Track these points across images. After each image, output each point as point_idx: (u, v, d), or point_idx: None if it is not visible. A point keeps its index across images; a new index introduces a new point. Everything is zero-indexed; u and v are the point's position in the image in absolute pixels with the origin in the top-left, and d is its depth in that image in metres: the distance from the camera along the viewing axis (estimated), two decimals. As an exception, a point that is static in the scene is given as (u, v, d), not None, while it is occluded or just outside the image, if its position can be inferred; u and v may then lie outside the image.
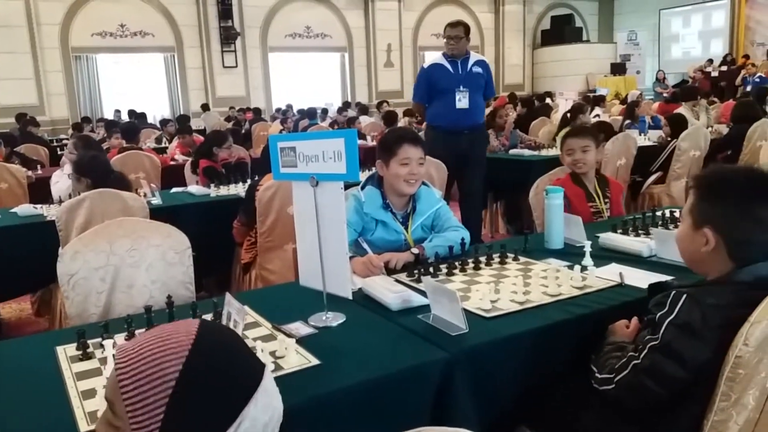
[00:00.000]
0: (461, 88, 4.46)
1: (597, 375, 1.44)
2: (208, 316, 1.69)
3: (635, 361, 1.32)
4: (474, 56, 4.59)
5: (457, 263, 2.09)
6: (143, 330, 1.60)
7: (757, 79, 12.21)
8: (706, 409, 1.26)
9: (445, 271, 2.04)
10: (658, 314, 1.31)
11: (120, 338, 1.56)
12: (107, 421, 0.82)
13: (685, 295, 1.27)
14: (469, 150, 4.52)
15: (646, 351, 1.31)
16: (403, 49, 16.00)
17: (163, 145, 8.11)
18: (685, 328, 1.25)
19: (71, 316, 2.08)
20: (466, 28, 4.52)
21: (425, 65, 4.74)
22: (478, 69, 4.55)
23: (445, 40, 4.52)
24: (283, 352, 1.40)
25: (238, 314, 1.46)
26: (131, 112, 12.03)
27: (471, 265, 2.08)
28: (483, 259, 2.12)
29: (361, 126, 9.06)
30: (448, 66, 4.51)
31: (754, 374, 1.21)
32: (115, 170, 3.50)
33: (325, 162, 1.55)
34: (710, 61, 14.88)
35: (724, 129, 6.13)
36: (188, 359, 0.78)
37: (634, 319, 1.55)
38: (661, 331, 1.28)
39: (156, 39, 13.35)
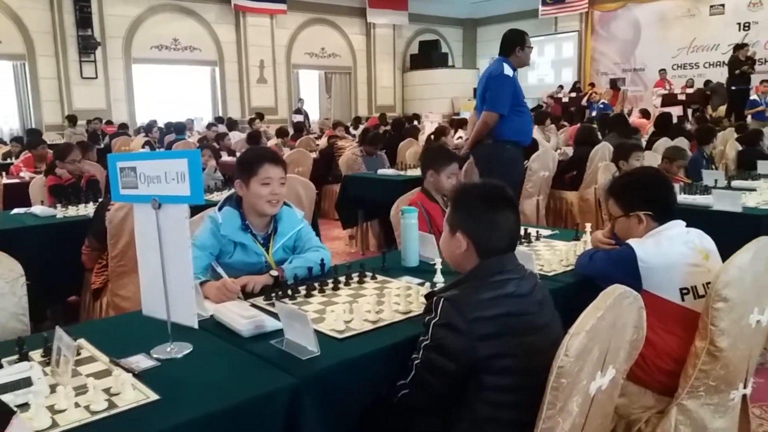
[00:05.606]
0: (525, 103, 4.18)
1: (397, 384, 1.57)
2: (37, 352, 1.55)
3: (416, 361, 1.53)
4: None
5: (316, 284, 2.07)
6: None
7: (601, 106, 13.43)
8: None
9: (303, 293, 2.03)
10: (427, 319, 1.52)
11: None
12: None
13: (443, 300, 1.49)
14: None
15: (422, 351, 1.51)
16: (276, 66, 15.86)
17: (9, 161, 7.39)
18: (448, 327, 1.46)
19: None
20: None
21: (506, 72, 4.10)
22: None
23: (525, 49, 4.19)
24: (119, 388, 1.31)
25: (68, 350, 1.34)
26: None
27: (330, 285, 2.09)
28: (342, 279, 2.13)
29: (231, 142, 8.83)
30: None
31: (576, 382, 1.31)
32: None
33: (168, 183, 1.48)
34: (561, 87, 16.21)
35: (571, 151, 6.65)
36: None
37: None
38: (430, 332, 1.49)
39: (3, 46, 12.23)
